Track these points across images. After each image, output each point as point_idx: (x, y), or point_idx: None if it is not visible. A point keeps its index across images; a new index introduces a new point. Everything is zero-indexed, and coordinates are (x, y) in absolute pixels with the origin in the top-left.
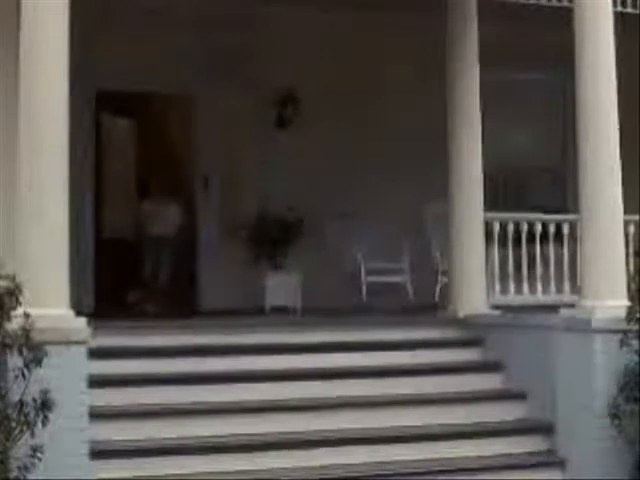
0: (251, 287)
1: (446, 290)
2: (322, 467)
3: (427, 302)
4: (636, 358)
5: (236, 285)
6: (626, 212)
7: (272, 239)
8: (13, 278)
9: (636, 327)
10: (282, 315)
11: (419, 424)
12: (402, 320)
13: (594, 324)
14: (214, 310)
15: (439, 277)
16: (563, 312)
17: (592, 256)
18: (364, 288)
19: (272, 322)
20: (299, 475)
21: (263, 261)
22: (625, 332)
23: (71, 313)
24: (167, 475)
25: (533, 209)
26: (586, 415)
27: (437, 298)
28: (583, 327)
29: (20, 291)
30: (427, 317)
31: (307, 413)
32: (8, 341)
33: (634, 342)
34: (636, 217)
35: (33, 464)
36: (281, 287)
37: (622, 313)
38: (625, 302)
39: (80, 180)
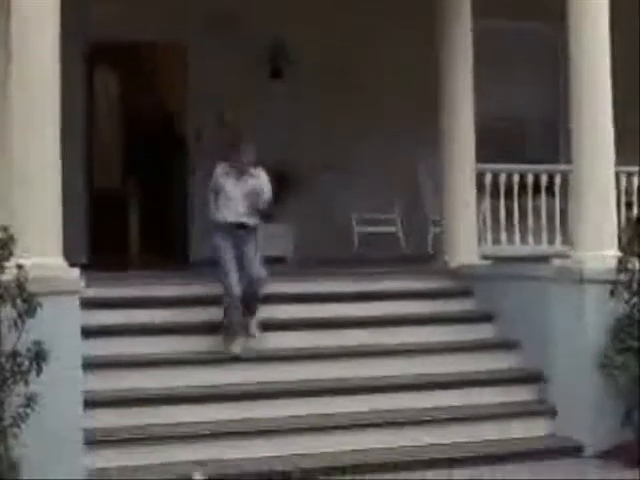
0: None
1: (438, 241)
2: (317, 415)
3: (419, 253)
4: (626, 308)
5: None
6: (618, 163)
7: None
8: (6, 229)
9: (626, 278)
10: (274, 266)
11: (411, 373)
12: (394, 271)
13: (585, 275)
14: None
15: (430, 228)
16: (555, 263)
17: (583, 207)
18: (356, 239)
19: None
20: (293, 423)
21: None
22: (616, 283)
23: (64, 264)
24: (163, 423)
25: (525, 160)
26: (577, 365)
27: (429, 249)
28: (574, 277)
29: (13, 242)
30: (419, 268)
31: (303, 362)
32: (1, 292)
33: (624, 293)
34: (627, 168)
35: (27, 413)
36: (273, 238)
37: (613, 264)
38: (616, 253)
39: (72, 132)
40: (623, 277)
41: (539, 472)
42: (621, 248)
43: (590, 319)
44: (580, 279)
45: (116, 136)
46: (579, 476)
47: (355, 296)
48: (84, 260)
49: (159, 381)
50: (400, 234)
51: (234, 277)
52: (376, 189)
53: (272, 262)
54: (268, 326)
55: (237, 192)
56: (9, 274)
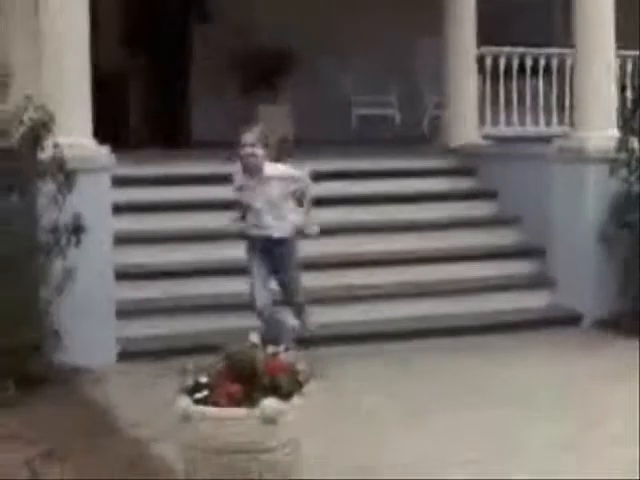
0: (243, 120)
1: (435, 122)
2: (330, 287)
3: (415, 134)
4: (625, 186)
5: (229, 118)
6: (618, 48)
7: (263, 70)
8: (45, 109)
9: (626, 156)
10: None
11: (417, 248)
12: (397, 150)
13: (587, 154)
14: (207, 142)
15: (427, 110)
16: (557, 142)
17: (585, 89)
18: (354, 120)
19: None
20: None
21: (255, 93)
22: (615, 161)
23: (94, 142)
24: (191, 295)
25: (520, 44)
26: (577, 239)
27: (425, 130)
28: (576, 156)
29: (53, 121)
30: (422, 147)
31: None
32: (42, 169)
33: (623, 171)
34: (622, 52)
35: (67, 285)
36: (273, 119)
37: (613, 143)
38: (615, 133)
39: None
40: (622, 156)
41: (541, 340)
42: (620, 128)
43: (591, 196)
44: (582, 158)
45: (119, 11)
46: (579, 343)
47: (363, 174)
48: None
49: (185, 255)
50: (397, 115)
51: (259, 289)
52: (374, 71)
53: None
54: None
55: (261, 203)
56: (48, 152)
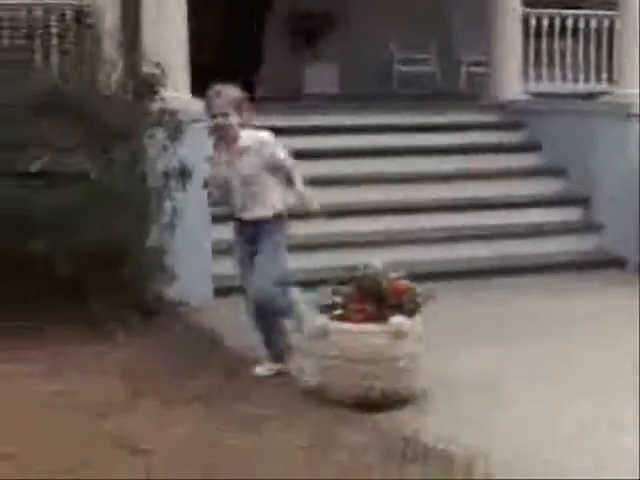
0: (292, 77)
1: (471, 80)
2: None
3: (453, 91)
4: None
5: (276, 76)
6: None
7: (309, 31)
8: (159, 65)
9: None
10: (319, 101)
11: (473, 196)
12: (442, 106)
13: (632, 110)
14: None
15: (463, 67)
16: (603, 99)
17: (629, 48)
18: (396, 77)
19: (314, 107)
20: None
21: (301, 53)
22: None
23: (192, 97)
24: None
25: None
26: (622, 189)
27: (462, 87)
28: (622, 112)
29: (165, 76)
30: (467, 103)
31: (365, 186)
32: (154, 119)
33: None
34: None
35: (175, 224)
36: (318, 76)
37: None
38: None
39: None
40: None
41: (588, 280)
42: None
43: (635, 149)
44: (627, 114)
45: None
46: (624, 283)
47: (416, 127)
48: None
49: None
50: (437, 72)
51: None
52: (413, 29)
53: (320, 99)
54: (326, 154)
55: (235, 181)
56: (159, 104)
